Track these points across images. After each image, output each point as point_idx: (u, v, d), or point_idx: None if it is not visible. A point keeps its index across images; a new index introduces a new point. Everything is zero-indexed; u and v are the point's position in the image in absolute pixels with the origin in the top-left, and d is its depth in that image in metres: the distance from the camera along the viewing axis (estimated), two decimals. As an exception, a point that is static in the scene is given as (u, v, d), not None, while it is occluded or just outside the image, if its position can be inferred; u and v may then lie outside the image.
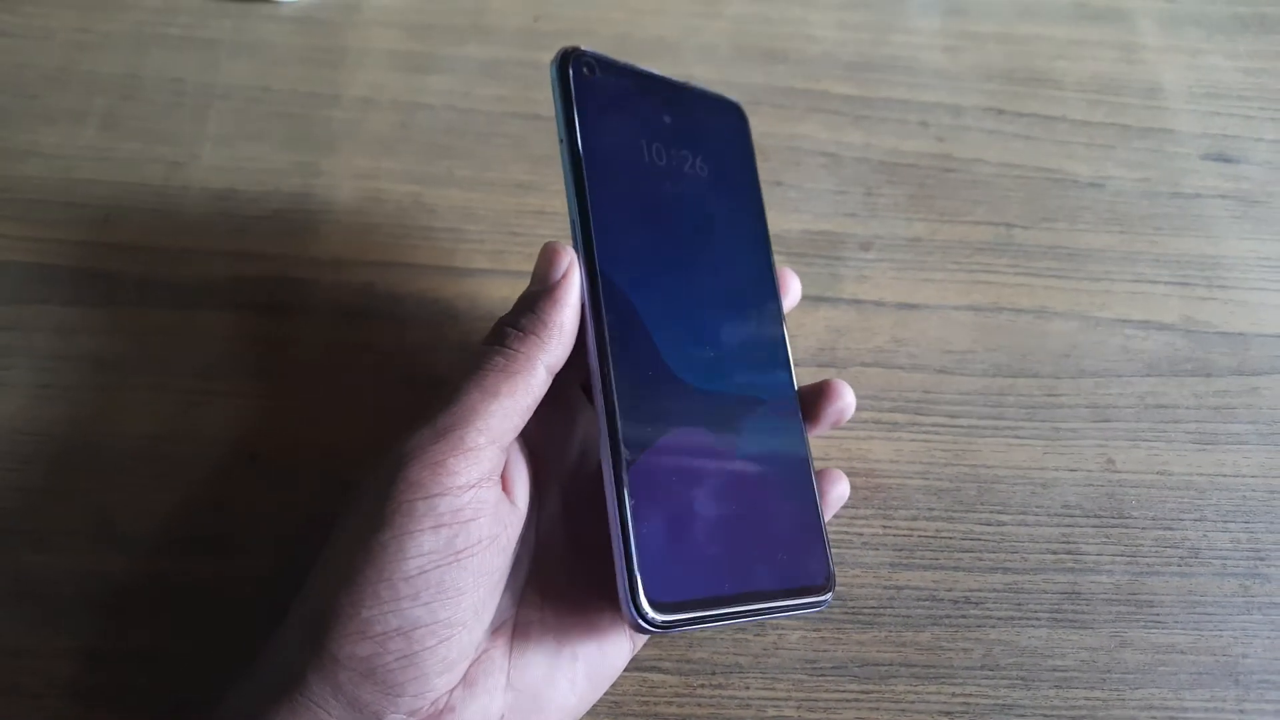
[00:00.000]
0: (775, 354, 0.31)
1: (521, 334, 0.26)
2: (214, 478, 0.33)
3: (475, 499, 0.23)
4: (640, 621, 0.24)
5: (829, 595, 0.29)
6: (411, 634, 0.22)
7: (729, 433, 0.29)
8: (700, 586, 0.26)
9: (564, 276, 0.26)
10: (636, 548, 0.25)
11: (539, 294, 0.26)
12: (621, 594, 0.25)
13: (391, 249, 0.39)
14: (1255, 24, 0.48)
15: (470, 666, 0.24)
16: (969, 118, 0.44)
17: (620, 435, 0.26)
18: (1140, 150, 0.44)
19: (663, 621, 0.25)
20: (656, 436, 0.27)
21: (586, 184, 0.28)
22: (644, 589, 0.25)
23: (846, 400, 0.31)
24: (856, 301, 0.39)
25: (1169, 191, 0.43)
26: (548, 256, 0.27)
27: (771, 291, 0.32)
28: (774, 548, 0.28)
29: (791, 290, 0.33)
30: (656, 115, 0.30)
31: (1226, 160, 0.44)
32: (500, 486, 0.25)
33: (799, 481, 0.30)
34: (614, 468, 0.26)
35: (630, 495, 0.25)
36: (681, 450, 0.27)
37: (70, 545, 0.32)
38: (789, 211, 0.41)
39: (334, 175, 0.40)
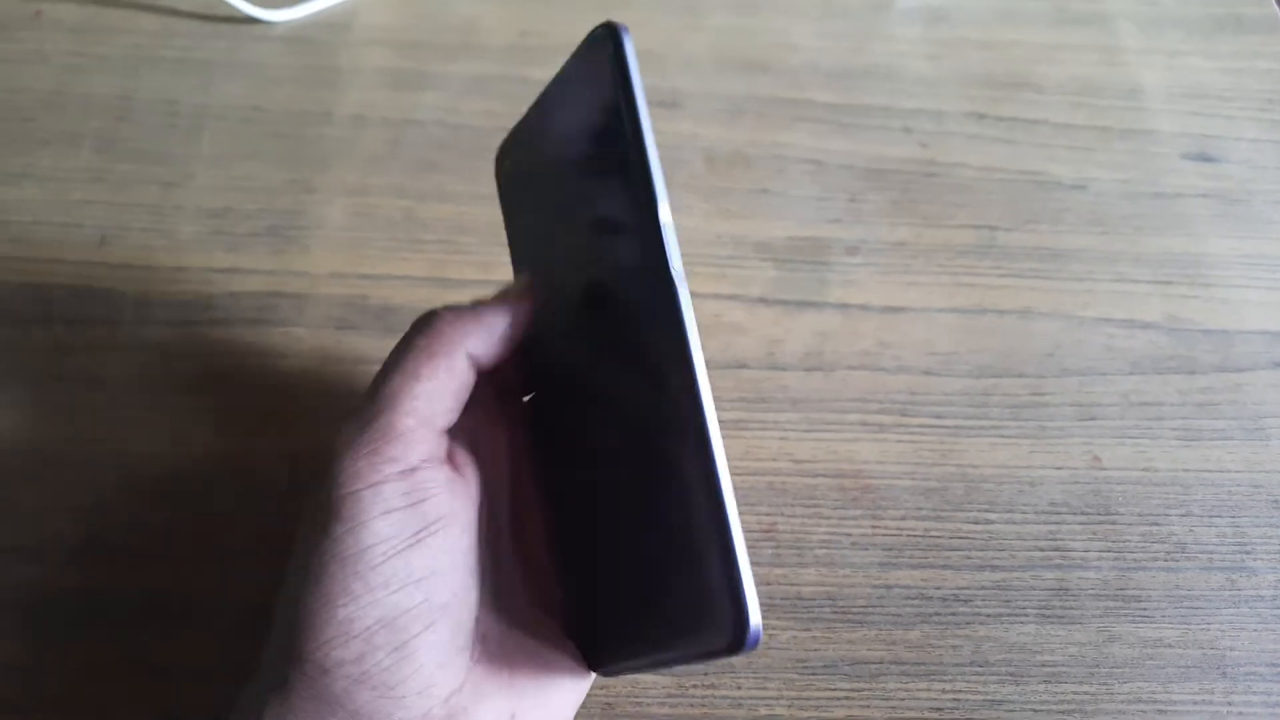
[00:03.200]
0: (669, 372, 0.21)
1: (450, 316, 0.25)
2: (210, 491, 0.34)
3: (421, 480, 0.23)
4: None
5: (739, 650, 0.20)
6: (396, 622, 0.21)
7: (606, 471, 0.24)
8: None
9: (517, 296, 0.26)
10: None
11: (487, 299, 0.26)
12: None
13: (384, 262, 0.39)
14: (1233, 25, 0.49)
15: (460, 693, 0.23)
16: (951, 123, 0.45)
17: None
18: (1121, 151, 0.44)
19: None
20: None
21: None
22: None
23: None
24: (843, 306, 0.39)
25: (1150, 192, 0.43)
26: (522, 281, 0.27)
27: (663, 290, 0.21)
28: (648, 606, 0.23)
29: None
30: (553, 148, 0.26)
31: (1207, 160, 0.44)
32: (447, 467, 0.24)
33: (695, 516, 0.21)
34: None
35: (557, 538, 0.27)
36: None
37: (63, 560, 0.32)
38: (775, 218, 0.41)
39: (327, 192, 0.41)
